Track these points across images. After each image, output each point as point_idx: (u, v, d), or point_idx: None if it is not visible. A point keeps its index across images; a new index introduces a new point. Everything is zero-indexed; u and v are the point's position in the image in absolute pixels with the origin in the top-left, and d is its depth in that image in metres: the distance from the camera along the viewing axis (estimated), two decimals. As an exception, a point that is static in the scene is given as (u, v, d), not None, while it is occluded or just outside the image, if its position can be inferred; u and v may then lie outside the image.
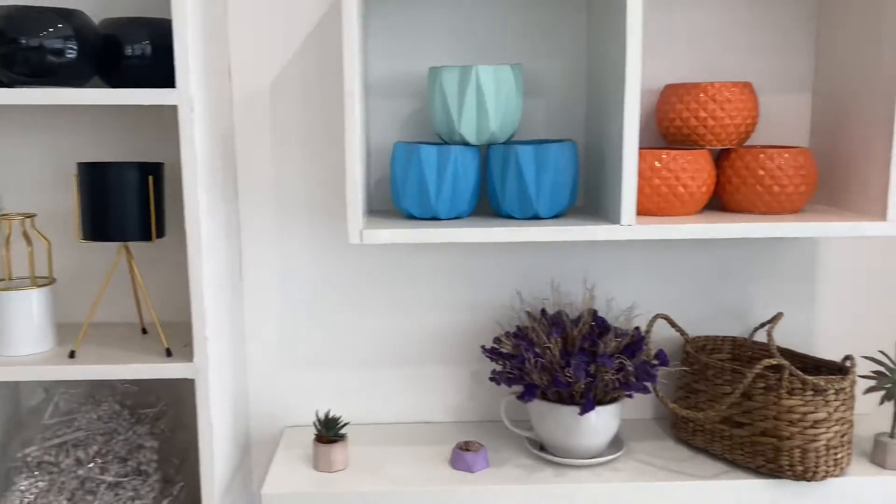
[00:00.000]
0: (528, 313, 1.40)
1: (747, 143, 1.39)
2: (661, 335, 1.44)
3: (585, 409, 1.26)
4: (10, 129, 1.42)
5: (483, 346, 1.39)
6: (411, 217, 1.32)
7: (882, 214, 1.25)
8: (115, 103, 1.17)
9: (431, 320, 1.50)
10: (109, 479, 1.33)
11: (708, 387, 1.36)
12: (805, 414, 1.26)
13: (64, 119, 1.41)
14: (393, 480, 1.30)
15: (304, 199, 1.46)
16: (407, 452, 1.40)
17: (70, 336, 1.33)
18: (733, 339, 1.50)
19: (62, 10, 1.19)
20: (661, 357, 1.32)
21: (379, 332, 1.50)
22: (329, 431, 1.34)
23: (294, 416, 1.51)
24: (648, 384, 1.30)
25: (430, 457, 1.38)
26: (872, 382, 1.36)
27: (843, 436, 1.28)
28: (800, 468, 1.27)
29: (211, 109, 1.27)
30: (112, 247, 1.37)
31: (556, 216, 1.31)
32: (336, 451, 1.33)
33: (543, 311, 1.40)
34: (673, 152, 1.30)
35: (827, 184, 1.40)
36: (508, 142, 1.32)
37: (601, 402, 1.30)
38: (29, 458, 1.33)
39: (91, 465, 1.33)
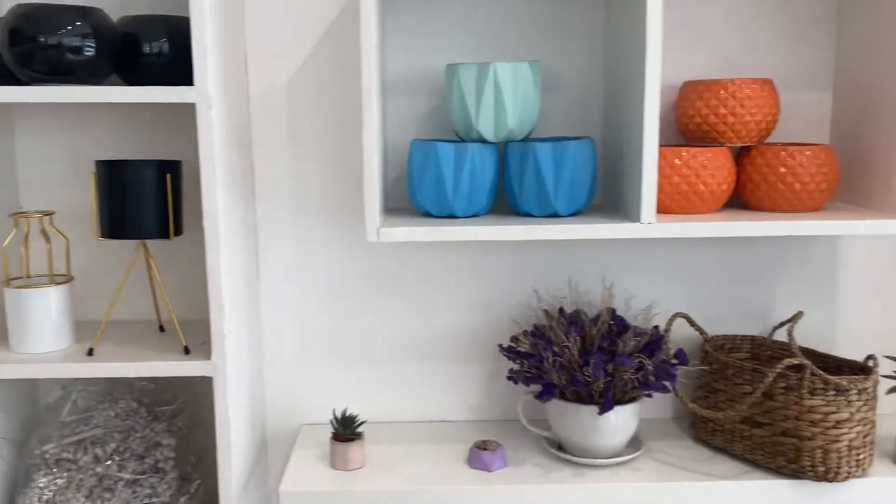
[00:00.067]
0: (546, 312, 1.39)
1: (768, 141, 1.37)
2: (680, 334, 1.43)
3: (604, 408, 1.25)
4: (29, 128, 1.42)
5: (500, 345, 1.38)
6: (428, 215, 1.31)
7: (904, 212, 1.23)
8: (134, 101, 1.17)
9: (447, 318, 1.49)
10: (127, 476, 1.33)
11: (728, 386, 1.35)
12: (827, 414, 1.24)
13: (81, 117, 1.42)
14: (410, 479, 1.30)
15: (320, 196, 1.46)
16: (423, 451, 1.39)
17: (88, 333, 1.34)
18: (752, 339, 1.49)
19: (80, 7, 1.19)
20: (681, 356, 1.31)
21: (395, 330, 1.50)
22: (346, 430, 1.34)
23: (310, 414, 1.51)
24: (668, 384, 1.29)
25: (446, 456, 1.37)
26: (895, 382, 1.34)
27: (865, 436, 1.27)
28: (821, 469, 1.25)
29: (228, 107, 1.27)
30: (129, 244, 1.37)
31: (574, 214, 1.30)
32: (353, 449, 1.32)
33: (561, 310, 1.39)
34: (693, 149, 1.29)
35: (848, 181, 1.38)
36: (526, 139, 1.31)
37: (620, 402, 1.29)
38: (47, 456, 1.33)
39: (109, 462, 1.33)
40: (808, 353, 1.38)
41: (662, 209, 1.28)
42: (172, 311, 1.30)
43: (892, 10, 1.27)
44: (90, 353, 1.27)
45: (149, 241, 1.31)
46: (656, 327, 1.36)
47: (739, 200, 1.37)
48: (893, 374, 1.34)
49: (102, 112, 1.41)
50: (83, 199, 1.39)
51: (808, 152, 1.30)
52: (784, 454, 1.27)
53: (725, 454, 1.36)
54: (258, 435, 1.46)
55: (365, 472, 1.32)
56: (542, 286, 1.47)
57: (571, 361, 1.28)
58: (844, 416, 1.24)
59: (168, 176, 1.25)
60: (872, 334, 1.49)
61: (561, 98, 1.43)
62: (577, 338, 1.29)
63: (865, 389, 1.25)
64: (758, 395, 1.25)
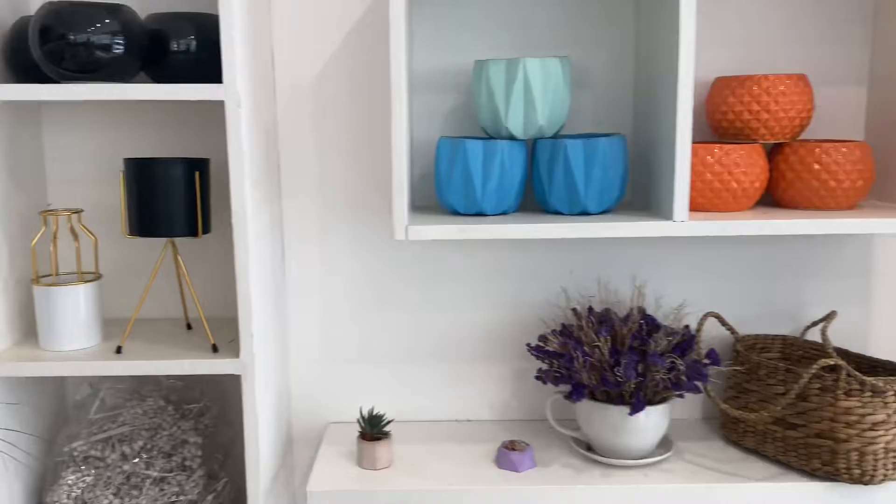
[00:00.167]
0: (574, 311, 1.38)
1: (801, 137, 1.35)
2: (709, 333, 1.41)
3: (636, 409, 1.24)
4: (57, 125, 1.42)
5: (528, 345, 1.37)
6: (455, 213, 1.30)
7: (943, 210, 1.21)
8: (163, 99, 1.16)
9: (474, 317, 1.48)
10: (155, 474, 1.33)
11: (760, 387, 1.33)
12: (863, 416, 1.22)
13: (108, 114, 1.42)
14: (438, 479, 1.29)
15: (346, 194, 1.45)
16: (451, 450, 1.38)
17: (116, 331, 1.34)
18: (783, 338, 1.46)
19: (109, 5, 1.19)
20: (713, 356, 1.29)
21: (421, 329, 1.49)
22: (373, 429, 1.33)
23: (336, 412, 1.51)
24: (700, 384, 1.27)
25: (474, 455, 1.36)
26: (932, 384, 1.31)
27: (901, 438, 1.24)
28: (857, 471, 1.23)
29: (256, 105, 1.26)
30: (156, 242, 1.37)
31: (604, 212, 1.28)
32: (380, 448, 1.31)
33: (591, 309, 1.37)
34: (726, 147, 1.27)
35: (883, 178, 1.36)
36: (556, 136, 1.30)
37: (650, 402, 1.27)
38: (75, 453, 1.33)
39: (136, 460, 1.33)
40: (842, 353, 1.36)
41: (694, 207, 1.26)
42: (201, 309, 1.30)
43: (930, 3, 1.25)
44: (118, 350, 1.27)
45: (176, 239, 1.31)
46: (687, 327, 1.34)
47: (770, 198, 1.35)
48: (930, 375, 1.31)
49: (129, 109, 1.41)
50: (111, 197, 1.40)
51: (843, 149, 1.27)
52: (819, 456, 1.25)
53: (757, 455, 1.34)
54: (284, 433, 1.46)
55: (392, 472, 1.31)
56: (570, 284, 1.46)
57: (602, 361, 1.26)
58: (881, 417, 1.22)
59: (197, 174, 1.25)
60: (907, 335, 1.47)
61: (590, 94, 1.41)
62: (608, 337, 1.27)
63: (902, 391, 1.23)
64: (792, 397, 1.23)
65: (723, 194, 1.27)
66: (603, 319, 1.33)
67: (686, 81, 1.16)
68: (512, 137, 1.27)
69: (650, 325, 1.33)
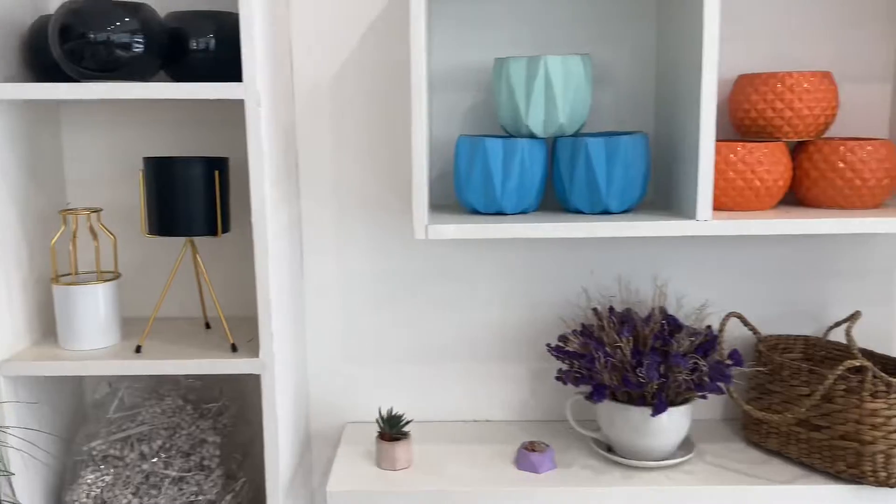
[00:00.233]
0: (595, 311, 1.37)
1: (825, 135, 1.33)
2: (730, 333, 1.39)
3: (658, 410, 1.23)
4: (76, 125, 1.42)
5: (548, 345, 1.35)
6: (475, 212, 1.29)
7: (971, 209, 1.19)
8: (184, 98, 1.16)
9: (491, 316, 1.47)
10: (173, 473, 1.33)
11: (783, 388, 1.31)
12: (889, 418, 1.20)
13: (126, 113, 1.41)
14: (458, 480, 1.28)
15: (363, 194, 1.44)
16: (469, 451, 1.37)
17: (135, 330, 1.34)
18: (806, 339, 1.45)
19: (129, 3, 1.18)
20: (736, 357, 1.28)
21: (438, 328, 1.48)
22: (392, 429, 1.32)
23: (354, 412, 1.50)
24: (722, 385, 1.26)
25: (493, 456, 1.35)
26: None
27: (928, 441, 1.23)
28: (883, 474, 1.21)
29: (275, 104, 1.26)
30: (174, 241, 1.37)
31: (625, 211, 1.27)
32: (400, 449, 1.31)
33: (611, 309, 1.36)
34: (749, 145, 1.25)
35: (909, 177, 1.34)
36: (577, 134, 1.29)
37: (672, 403, 1.26)
38: (94, 452, 1.33)
39: (155, 459, 1.33)
40: (866, 353, 1.34)
41: (716, 206, 1.24)
42: (220, 308, 1.29)
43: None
44: (138, 350, 1.26)
45: (195, 238, 1.31)
46: (709, 327, 1.33)
47: (794, 197, 1.33)
48: (957, 376, 1.29)
49: (148, 108, 1.41)
50: (129, 196, 1.39)
51: (868, 147, 1.26)
52: (844, 458, 1.24)
53: (780, 457, 1.33)
54: (302, 432, 1.45)
55: (412, 473, 1.30)
56: (590, 284, 1.44)
57: (624, 362, 1.25)
58: (907, 419, 1.20)
59: (216, 173, 1.24)
60: (933, 335, 1.45)
61: (610, 91, 1.40)
62: (630, 338, 1.26)
63: (929, 392, 1.21)
64: (818, 398, 1.22)
65: (746, 193, 1.26)
66: (624, 319, 1.31)
67: (710, 79, 1.14)
68: (532, 135, 1.26)
69: (672, 325, 1.31)
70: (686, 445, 1.33)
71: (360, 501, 1.26)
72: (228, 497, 1.35)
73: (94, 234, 1.32)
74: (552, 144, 1.31)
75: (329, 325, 1.48)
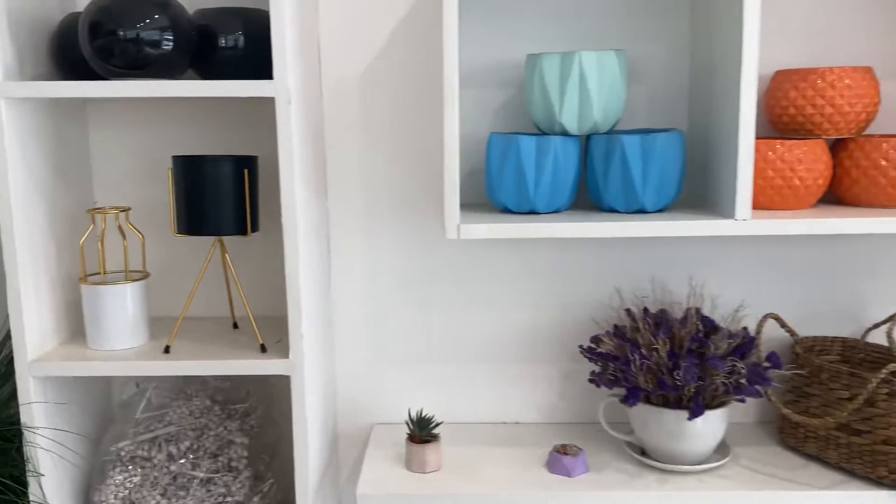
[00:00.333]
0: (628, 311, 1.34)
1: (866, 132, 1.30)
2: (766, 334, 1.36)
3: (695, 413, 1.20)
4: (103, 123, 1.41)
5: (581, 346, 1.33)
6: (507, 211, 1.27)
7: None
8: (214, 95, 1.14)
9: (521, 317, 1.45)
10: (201, 474, 1.32)
11: (822, 391, 1.28)
12: (934, 422, 1.17)
13: (154, 111, 1.40)
14: (490, 484, 1.26)
15: (392, 192, 1.43)
16: (500, 454, 1.35)
17: (163, 330, 1.33)
18: (843, 341, 1.41)
19: (159, 0, 1.17)
20: (774, 360, 1.25)
21: (467, 329, 1.46)
22: (422, 431, 1.30)
23: (382, 413, 1.49)
24: (761, 388, 1.23)
25: (524, 459, 1.33)
26: None
27: (974, 446, 1.19)
28: (926, 480, 1.19)
29: (305, 101, 1.24)
30: (203, 241, 1.36)
31: (661, 210, 1.24)
32: (429, 451, 1.29)
33: (646, 310, 1.33)
34: (788, 142, 1.22)
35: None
36: (611, 132, 1.26)
37: (709, 406, 1.23)
38: (122, 453, 1.32)
39: (183, 460, 1.32)
40: (908, 356, 1.31)
41: (754, 204, 1.21)
42: (249, 309, 1.28)
43: None
44: (167, 350, 1.25)
45: (223, 238, 1.30)
46: (745, 328, 1.30)
47: (833, 195, 1.30)
48: None
49: (176, 106, 1.40)
50: (157, 195, 1.38)
51: (912, 144, 1.23)
52: (885, 464, 1.21)
53: (819, 462, 1.30)
54: (330, 433, 1.44)
55: (442, 475, 1.29)
56: (623, 284, 1.42)
57: (659, 364, 1.22)
58: (952, 424, 1.17)
59: (246, 171, 1.23)
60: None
61: (644, 88, 1.37)
62: (666, 340, 1.23)
63: (975, 397, 1.18)
64: (860, 402, 1.19)
65: (784, 192, 1.23)
66: (659, 321, 1.29)
67: (750, 75, 1.12)
68: (565, 133, 1.24)
69: (708, 326, 1.29)
70: (721, 449, 1.31)
71: (390, 504, 1.24)
72: (256, 498, 1.34)
73: (123, 234, 1.31)
74: (585, 142, 1.29)
75: (357, 324, 1.47)
